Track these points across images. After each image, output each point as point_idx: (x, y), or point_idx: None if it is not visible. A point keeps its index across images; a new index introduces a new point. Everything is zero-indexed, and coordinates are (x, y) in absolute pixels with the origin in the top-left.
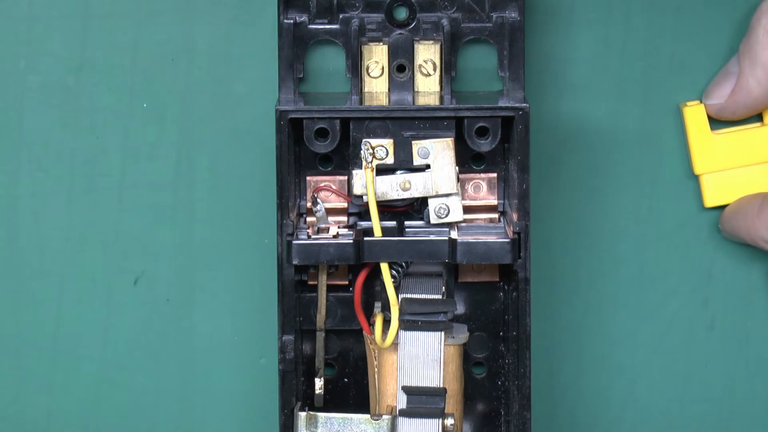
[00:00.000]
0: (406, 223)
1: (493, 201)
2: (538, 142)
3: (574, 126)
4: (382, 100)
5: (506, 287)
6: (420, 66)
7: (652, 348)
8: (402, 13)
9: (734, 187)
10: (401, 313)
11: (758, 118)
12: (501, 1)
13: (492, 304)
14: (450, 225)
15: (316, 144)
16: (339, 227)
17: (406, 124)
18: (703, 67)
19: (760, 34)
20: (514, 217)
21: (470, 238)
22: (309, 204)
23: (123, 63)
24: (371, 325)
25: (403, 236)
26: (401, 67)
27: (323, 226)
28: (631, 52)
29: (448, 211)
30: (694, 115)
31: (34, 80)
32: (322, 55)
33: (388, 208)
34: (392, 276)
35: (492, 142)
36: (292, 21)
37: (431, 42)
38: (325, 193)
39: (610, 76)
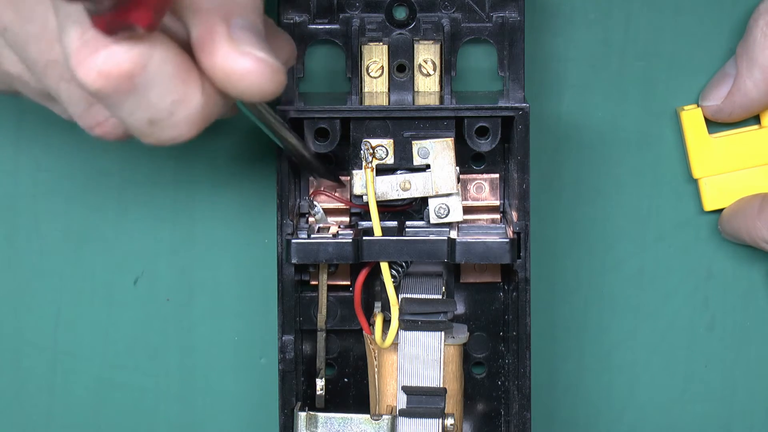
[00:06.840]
0: (406, 222)
1: (495, 202)
2: (538, 142)
3: (574, 126)
4: (382, 100)
5: (506, 287)
6: (420, 66)
7: (652, 348)
8: (402, 13)
9: (733, 190)
10: (401, 313)
11: (756, 120)
12: (501, 1)
13: (492, 304)
14: (450, 225)
15: (316, 144)
16: (339, 227)
17: (406, 124)
18: (704, 68)
19: (758, 36)
20: (514, 217)
21: (469, 238)
22: (309, 201)
23: None
24: (371, 325)
25: (402, 236)
26: (401, 67)
27: (323, 225)
28: (631, 53)
29: (448, 211)
30: (692, 119)
31: None
32: (322, 55)
33: (388, 208)
34: (392, 276)
35: (492, 142)
36: (292, 21)
37: (431, 42)
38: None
39: (610, 76)
